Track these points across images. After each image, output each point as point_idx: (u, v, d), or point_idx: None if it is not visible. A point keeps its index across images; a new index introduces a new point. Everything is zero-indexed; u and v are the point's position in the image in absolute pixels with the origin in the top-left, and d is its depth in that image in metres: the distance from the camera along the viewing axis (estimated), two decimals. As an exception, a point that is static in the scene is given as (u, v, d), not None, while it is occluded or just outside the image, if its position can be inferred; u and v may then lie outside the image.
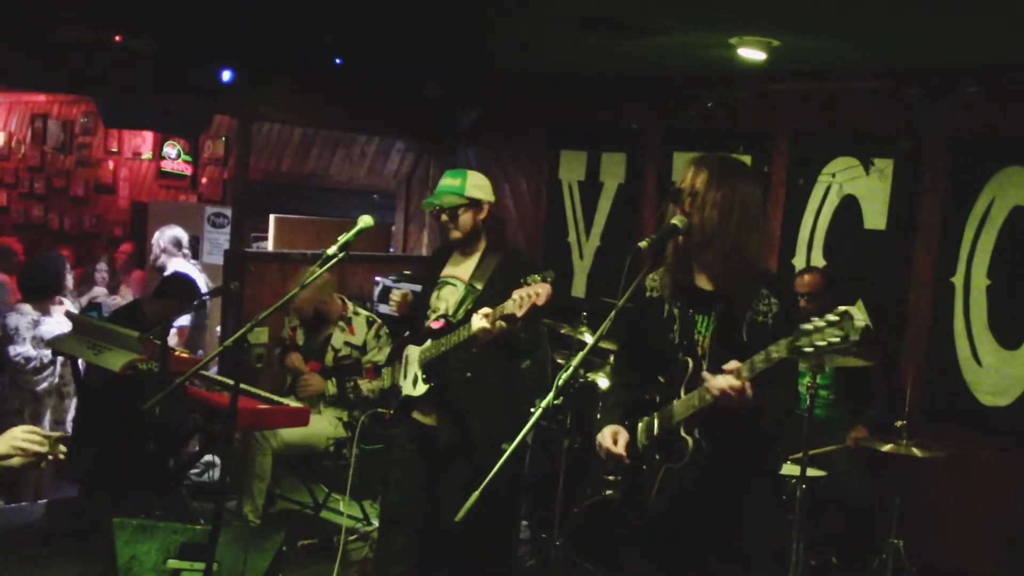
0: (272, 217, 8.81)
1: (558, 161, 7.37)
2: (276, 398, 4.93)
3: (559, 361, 5.54)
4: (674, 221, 2.85)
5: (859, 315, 2.33)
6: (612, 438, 2.94)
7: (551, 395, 2.75)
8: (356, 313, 5.46)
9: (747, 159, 6.11)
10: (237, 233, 6.91)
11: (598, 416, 3.16)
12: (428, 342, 4.04)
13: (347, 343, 5.37)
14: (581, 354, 2.91)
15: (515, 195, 7.67)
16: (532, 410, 5.34)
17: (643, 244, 2.82)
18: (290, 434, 5.05)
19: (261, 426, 4.86)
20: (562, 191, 7.34)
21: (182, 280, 5.94)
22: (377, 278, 7.05)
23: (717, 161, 2.91)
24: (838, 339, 2.34)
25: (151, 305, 5.62)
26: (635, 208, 6.91)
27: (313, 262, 3.62)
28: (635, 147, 6.92)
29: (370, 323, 5.44)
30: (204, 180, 9.95)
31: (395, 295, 4.25)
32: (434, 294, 4.15)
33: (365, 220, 3.71)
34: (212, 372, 6.04)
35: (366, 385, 5.31)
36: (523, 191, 7.64)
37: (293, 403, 4.99)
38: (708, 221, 2.80)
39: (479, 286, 3.95)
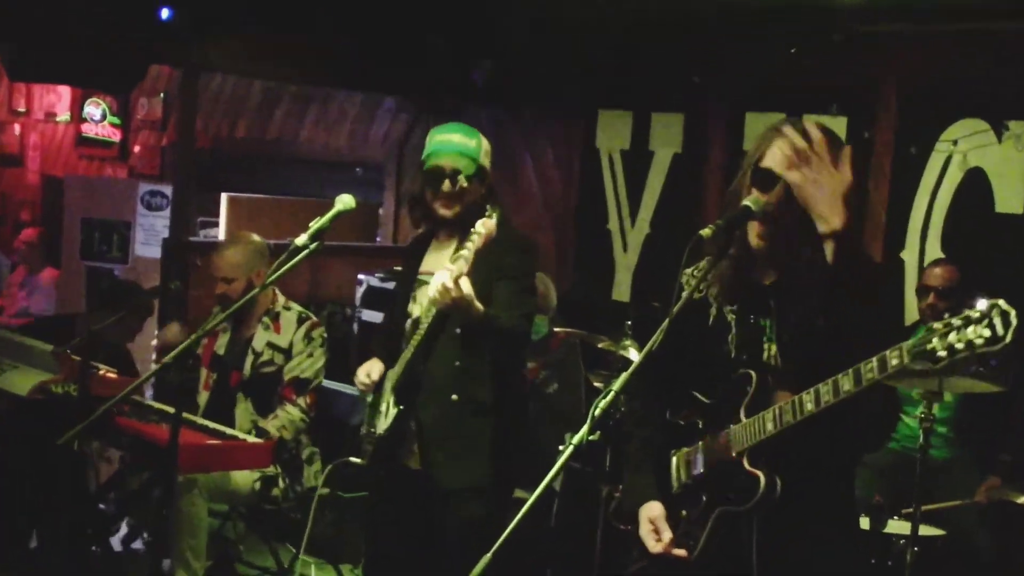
0: (224, 196, 8.85)
1: (595, 125, 7.39)
2: (230, 431, 4.93)
3: (596, 385, 5.55)
4: (746, 202, 2.82)
5: (1012, 309, 2.21)
6: (652, 533, 2.94)
7: (585, 428, 2.75)
8: (287, 307, 5.35)
9: (842, 122, 6.12)
10: (179, 217, 6.94)
11: (627, 475, 3.15)
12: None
13: (270, 343, 5.23)
14: (624, 376, 2.90)
15: (539, 169, 7.68)
16: (561, 448, 5.38)
17: (706, 232, 2.79)
18: (206, 476, 4.99)
19: (210, 467, 4.86)
20: (600, 163, 7.35)
21: (127, 284, 5.88)
22: (361, 276, 7.05)
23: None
24: (982, 339, 2.24)
25: (99, 321, 5.43)
26: (695, 185, 6.91)
27: (278, 254, 3.61)
28: (696, 107, 6.92)
29: (301, 320, 5.30)
30: (136, 149, 10.01)
31: (360, 377, 4.20)
32: (410, 298, 4.16)
33: (344, 201, 3.72)
34: (147, 397, 6.06)
35: (274, 424, 5.14)
36: (549, 163, 7.65)
37: (251, 437, 5.00)
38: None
39: None
